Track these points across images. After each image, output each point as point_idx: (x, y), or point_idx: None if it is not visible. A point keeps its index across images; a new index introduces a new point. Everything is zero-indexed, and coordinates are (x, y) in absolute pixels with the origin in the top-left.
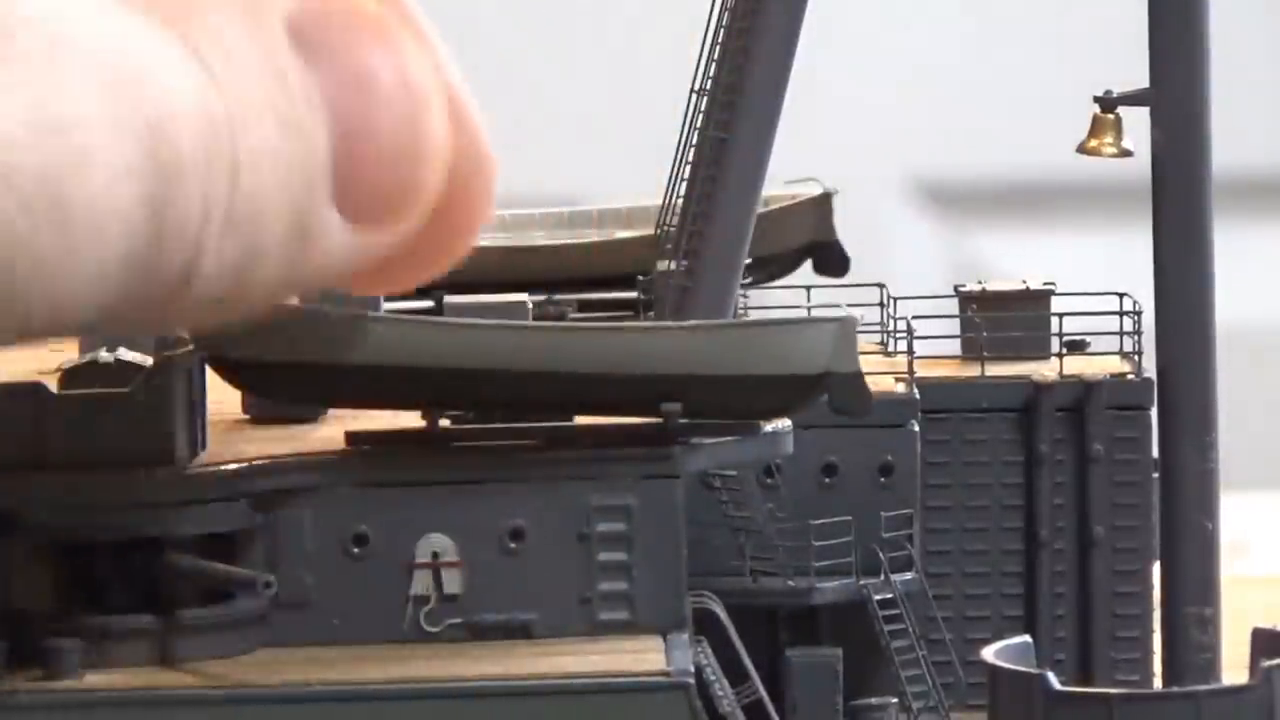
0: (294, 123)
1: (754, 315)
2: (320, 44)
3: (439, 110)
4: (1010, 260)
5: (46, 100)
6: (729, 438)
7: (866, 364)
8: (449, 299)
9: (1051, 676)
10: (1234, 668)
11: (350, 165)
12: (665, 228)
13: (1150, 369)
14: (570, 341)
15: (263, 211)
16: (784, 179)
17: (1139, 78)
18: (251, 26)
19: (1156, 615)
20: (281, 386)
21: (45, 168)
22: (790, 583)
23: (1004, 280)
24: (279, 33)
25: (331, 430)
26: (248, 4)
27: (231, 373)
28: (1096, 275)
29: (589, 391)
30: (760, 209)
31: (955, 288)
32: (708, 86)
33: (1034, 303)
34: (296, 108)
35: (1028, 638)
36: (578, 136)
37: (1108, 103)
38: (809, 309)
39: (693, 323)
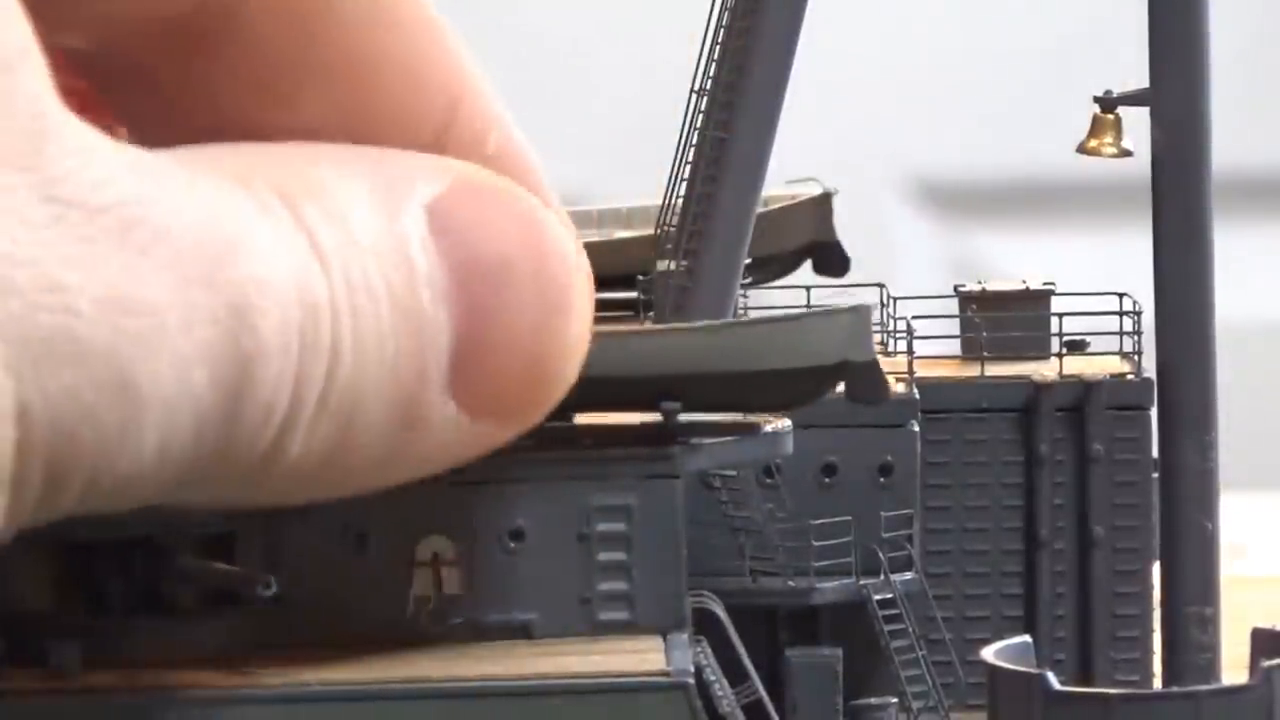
0: (413, 309)
1: (757, 313)
2: (460, 228)
3: (580, 307)
4: (1010, 260)
5: (118, 282)
6: (729, 438)
7: None
8: None
9: (1051, 676)
10: (1234, 668)
11: (473, 357)
12: (665, 228)
13: (1150, 369)
14: None
15: (364, 397)
16: (784, 179)
17: (1139, 78)
18: (384, 204)
19: (1156, 615)
20: None
21: (114, 345)
22: (790, 583)
23: (1004, 280)
24: (415, 214)
25: None
26: (387, 181)
27: None
28: (1096, 275)
29: (600, 396)
30: (760, 209)
31: (955, 288)
32: (708, 86)
33: (1034, 303)
34: (418, 294)
35: (1028, 638)
36: (578, 136)
37: (1108, 103)
38: (809, 308)
39: (706, 323)
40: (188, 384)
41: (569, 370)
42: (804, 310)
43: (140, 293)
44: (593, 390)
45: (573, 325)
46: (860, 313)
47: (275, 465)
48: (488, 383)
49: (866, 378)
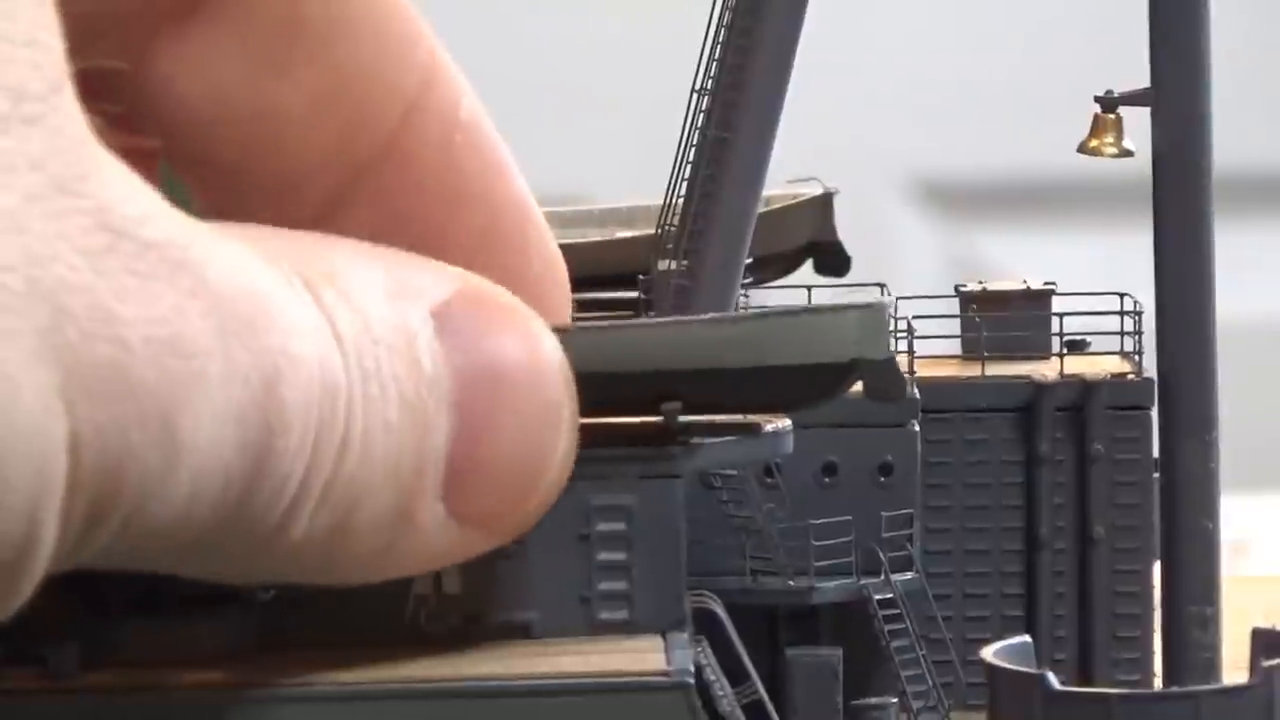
0: (417, 407)
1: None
2: (462, 336)
3: (569, 423)
4: (1010, 260)
5: (169, 320)
6: (729, 438)
7: None
8: None
9: (1051, 676)
10: (1234, 668)
11: (466, 464)
12: (665, 227)
13: (1150, 369)
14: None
15: (367, 487)
16: (784, 179)
17: (1139, 78)
18: (396, 304)
19: (1157, 615)
20: None
21: (160, 385)
22: (790, 583)
23: (1004, 280)
24: (422, 315)
25: None
26: (398, 283)
27: None
28: (1097, 275)
29: (603, 393)
30: (760, 209)
31: (955, 287)
32: (708, 86)
33: (1034, 302)
34: (423, 393)
35: (1028, 638)
36: (579, 136)
37: (1108, 103)
38: (821, 303)
39: (712, 315)
40: (220, 439)
41: (556, 485)
42: (816, 304)
43: (188, 334)
44: (595, 388)
45: (562, 440)
46: (874, 309)
47: (279, 543)
48: (478, 491)
49: (883, 376)
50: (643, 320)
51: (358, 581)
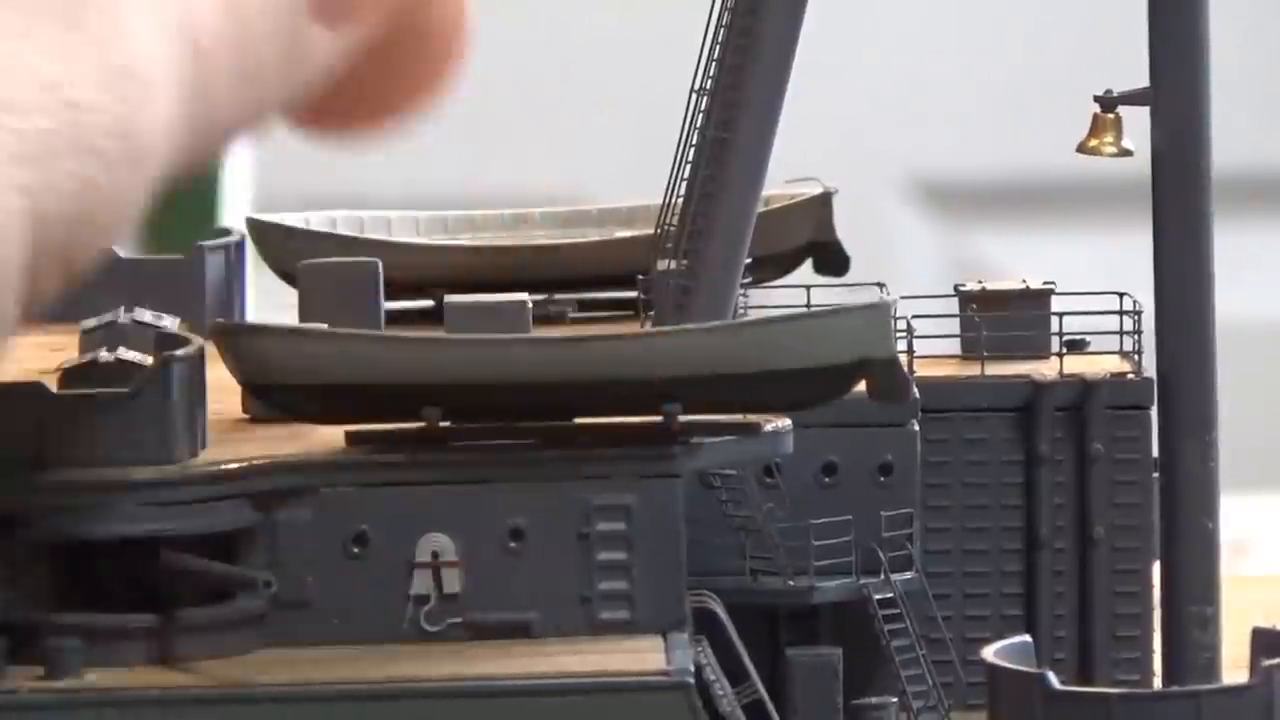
0: None
1: (758, 313)
2: None
3: None
4: (1010, 260)
5: (111, 48)
6: (729, 437)
7: None
8: (449, 299)
9: (1051, 676)
10: (1234, 668)
11: None
12: (665, 227)
13: (1150, 369)
14: (581, 350)
15: (255, 40)
16: (784, 179)
17: (1139, 77)
18: None
19: (1157, 615)
20: (286, 404)
21: (121, 120)
22: (790, 582)
23: (1004, 280)
24: None
25: (332, 430)
26: None
27: (258, 394)
28: (1097, 275)
29: (610, 400)
30: (760, 209)
31: (955, 287)
32: (708, 86)
33: (1034, 302)
34: None
35: (1028, 638)
36: (578, 136)
37: (1108, 102)
38: (824, 305)
39: (720, 323)
40: (172, 116)
41: None
42: (821, 308)
43: (130, 48)
44: (602, 394)
45: None
46: (879, 309)
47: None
48: None
49: (887, 376)
50: (650, 329)
51: (272, 118)
